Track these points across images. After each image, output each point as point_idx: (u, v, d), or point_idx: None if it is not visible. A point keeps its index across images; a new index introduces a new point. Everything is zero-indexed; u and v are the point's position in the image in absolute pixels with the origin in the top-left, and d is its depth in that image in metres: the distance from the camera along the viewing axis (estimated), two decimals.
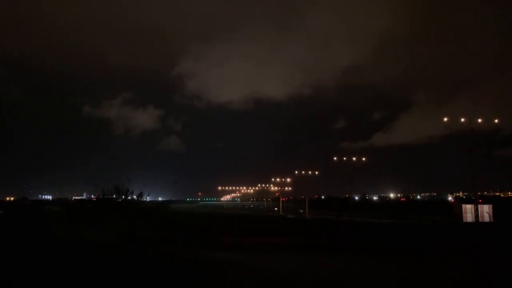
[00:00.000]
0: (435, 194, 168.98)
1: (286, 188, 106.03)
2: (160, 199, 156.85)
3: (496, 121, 44.51)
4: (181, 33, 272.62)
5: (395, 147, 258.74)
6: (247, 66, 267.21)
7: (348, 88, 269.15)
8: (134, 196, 45.50)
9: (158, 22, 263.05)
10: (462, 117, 44.24)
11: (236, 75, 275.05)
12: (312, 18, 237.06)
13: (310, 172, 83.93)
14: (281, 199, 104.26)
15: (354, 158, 64.31)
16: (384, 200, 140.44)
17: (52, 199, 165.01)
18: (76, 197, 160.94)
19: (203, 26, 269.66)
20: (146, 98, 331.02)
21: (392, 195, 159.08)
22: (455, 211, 50.65)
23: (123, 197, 43.19)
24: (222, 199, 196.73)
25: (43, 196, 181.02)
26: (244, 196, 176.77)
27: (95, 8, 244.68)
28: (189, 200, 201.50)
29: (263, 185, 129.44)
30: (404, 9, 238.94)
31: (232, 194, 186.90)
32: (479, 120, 43.89)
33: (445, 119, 44.77)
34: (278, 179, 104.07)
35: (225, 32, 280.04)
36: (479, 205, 45.42)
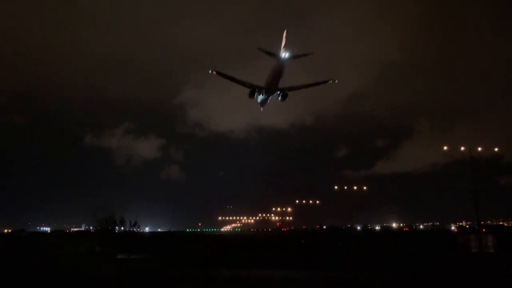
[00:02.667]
0: (438, 223, 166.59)
1: (287, 217, 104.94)
2: (159, 229, 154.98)
3: (496, 149, 44.38)
4: (184, 63, 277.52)
5: (398, 176, 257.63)
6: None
7: (350, 116, 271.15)
8: (134, 229, 45.12)
9: (161, 53, 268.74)
10: (463, 146, 44.14)
11: (238, 103, 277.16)
12: (315, 47, 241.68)
13: (311, 201, 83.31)
14: (282, 229, 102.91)
15: (355, 187, 63.73)
16: (387, 230, 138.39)
17: (50, 230, 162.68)
18: (75, 229, 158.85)
19: (205, 55, 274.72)
20: (148, 128, 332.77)
21: (394, 225, 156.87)
22: (459, 241, 49.76)
23: (122, 228, 42.75)
24: (223, 229, 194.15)
25: (41, 228, 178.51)
26: (245, 226, 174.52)
27: (98, 41, 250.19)
28: (189, 230, 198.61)
29: (264, 214, 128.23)
30: (407, 40, 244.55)
31: (233, 224, 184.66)
32: (479, 149, 43.76)
33: (445, 147, 44.71)
34: (279, 209, 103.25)
35: (228, 61, 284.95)
36: (483, 235, 44.67)
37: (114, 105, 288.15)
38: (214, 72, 36.00)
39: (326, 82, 39.61)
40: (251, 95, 36.73)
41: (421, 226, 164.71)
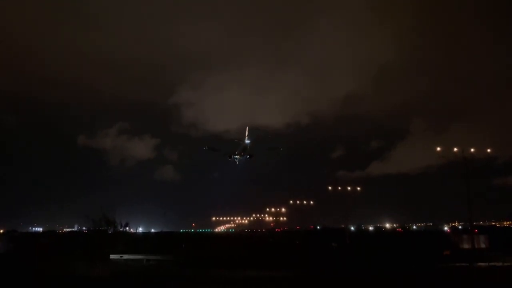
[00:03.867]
0: (431, 224, 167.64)
1: (281, 218, 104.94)
2: (152, 230, 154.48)
3: (488, 150, 44.68)
4: (180, 63, 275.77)
5: (392, 177, 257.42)
6: (245, 95, 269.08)
7: (346, 117, 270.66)
8: (127, 228, 44.97)
9: (157, 53, 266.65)
10: (456, 147, 44.36)
11: (234, 104, 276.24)
12: (312, 48, 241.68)
13: (305, 202, 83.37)
14: (276, 230, 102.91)
15: (349, 188, 64.05)
16: (380, 231, 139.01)
17: (42, 231, 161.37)
18: (67, 229, 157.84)
19: (202, 56, 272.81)
20: (143, 128, 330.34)
21: (388, 225, 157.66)
22: (452, 241, 50.16)
23: (114, 228, 42.55)
24: (216, 230, 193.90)
25: (34, 229, 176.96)
26: (239, 227, 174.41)
27: (93, 40, 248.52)
28: (183, 231, 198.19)
29: (258, 215, 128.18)
30: (403, 42, 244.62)
31: (227, 225, 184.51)
32: (472, 150, 44.01)
33: (438, 149, 44.94)
34: (273, 209, 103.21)
35: (225, 62, 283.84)
36: (475, 236, 45.02)
37: (108, 105, 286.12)
38: (206, 147, 59.70)
39: (275, 149, 63.55)
40: (229, 158, 58.66)
41: (414, 227, 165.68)
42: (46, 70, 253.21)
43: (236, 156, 60.03)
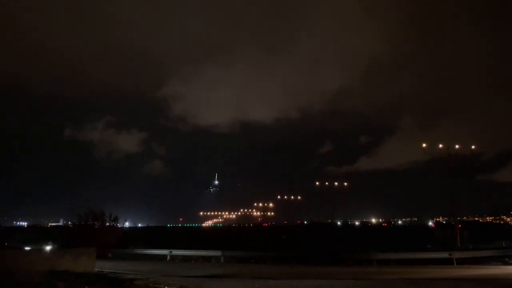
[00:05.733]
0: (416, 219, 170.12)
1: (269, 213, 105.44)
2: (139, 225, 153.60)
3: (473, 147, 45.36)
4: (170, 56, 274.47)
5: (379, 172, 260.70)
6: (235, 89, 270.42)
7: (335, 112, 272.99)
8: (113, 223, 44.69)
9: (146, 45, 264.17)
10: (442, 143, 44.95)
11: (223, 98, 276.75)
12: (303, 43, 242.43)
13: (292, 197, 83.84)
14: (263, 225, 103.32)
15: (336, 183, 64.58)
16: (366, 225, 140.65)
17: (27, 225, 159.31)
18: (53, 224, 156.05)
19: (192, 49, 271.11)
20: (130, 121, 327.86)
21: (373, 220, 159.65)
22: (435, 236, 51.02)
23: (101, 223, 42.24)
24: (204, 224, 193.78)
25: (18, 223, 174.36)
26: (226, 222, 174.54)
27: (80, 29, 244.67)
28: (170, 226, 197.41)
29: (245, 210, 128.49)
30: (393, 37, 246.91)
31: (214, 220, 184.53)
32: (457, 146, 44.66)
33: (424, 145, 45.52)
34: (260, 204, 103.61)
35: (215, 55, 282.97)
36: (458, 230, 45.80)
37: (95, 97, 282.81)
38: (190, 184, 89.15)
39: (238, 185, 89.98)
40: (206, 189, 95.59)
41: (400, 222, 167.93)
42: (33, 59, 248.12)
43: (211, 189, 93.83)
